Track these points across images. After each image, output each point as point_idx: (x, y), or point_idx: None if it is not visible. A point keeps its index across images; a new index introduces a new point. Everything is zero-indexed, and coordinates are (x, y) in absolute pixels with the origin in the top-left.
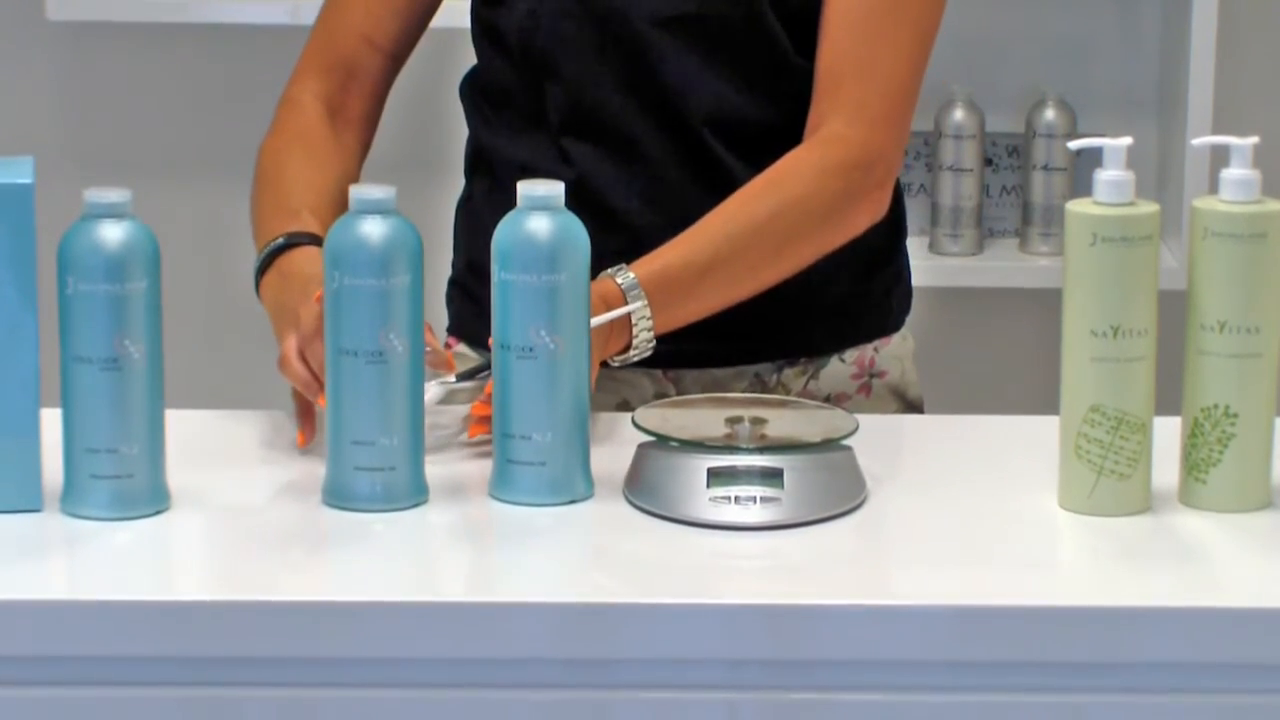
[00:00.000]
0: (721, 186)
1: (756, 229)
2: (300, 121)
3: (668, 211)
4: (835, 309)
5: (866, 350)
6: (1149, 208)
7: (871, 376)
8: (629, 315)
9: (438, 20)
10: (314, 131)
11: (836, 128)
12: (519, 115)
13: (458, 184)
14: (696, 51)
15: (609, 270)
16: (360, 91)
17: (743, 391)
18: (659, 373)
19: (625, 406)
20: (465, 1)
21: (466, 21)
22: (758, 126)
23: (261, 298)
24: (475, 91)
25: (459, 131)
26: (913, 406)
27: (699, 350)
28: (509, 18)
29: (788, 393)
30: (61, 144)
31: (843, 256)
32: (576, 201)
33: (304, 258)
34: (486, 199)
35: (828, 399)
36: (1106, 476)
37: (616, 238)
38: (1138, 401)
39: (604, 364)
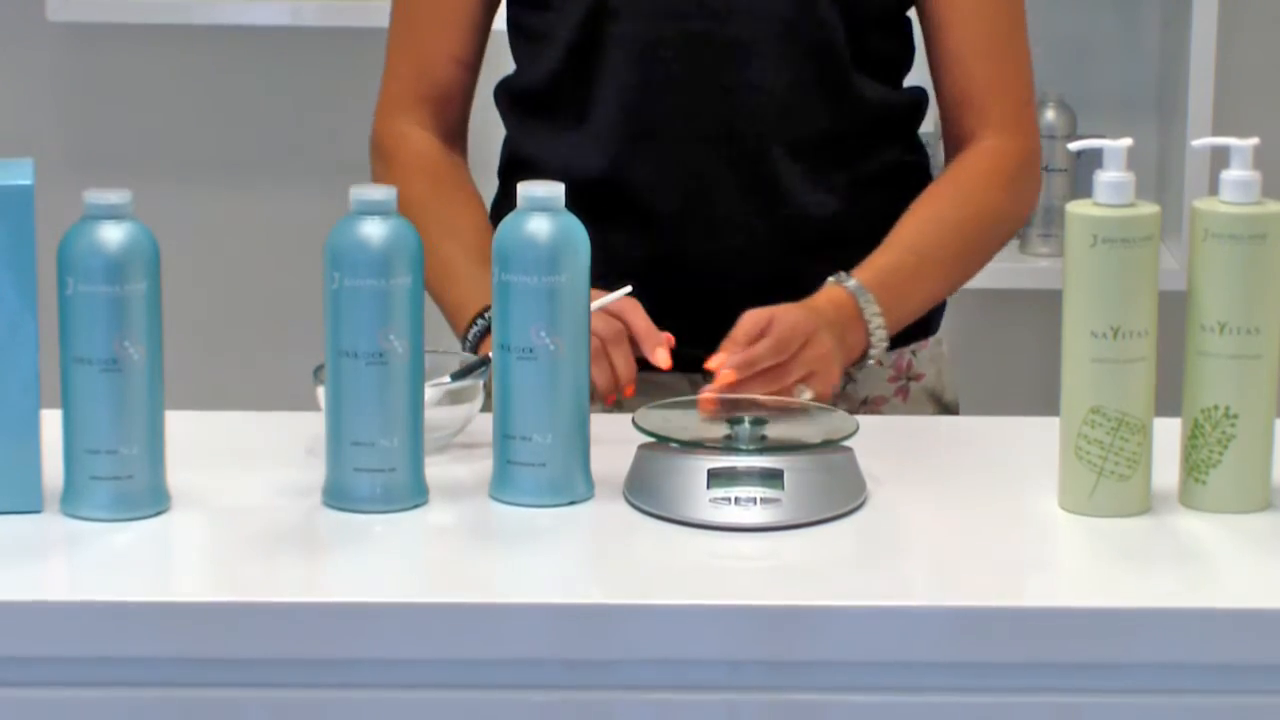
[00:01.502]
0: (768, 189)
1: (951, 233)
2: (431, 158)
3: (710, 214)
4: None
5: (904, 353)
6: (1149, 209)
7: (908, 379)
8: (864, 322)
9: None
10: (449, 168)
11: (995, 142)
12: (560, 118)
13: (488, 184)
14: (756, 52)
15: (831, 278)
16: (459, 113)
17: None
18: (699, 376)
19: None
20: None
21: (501, 24)
22: (813, 131)
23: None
24: (513, 96)
25: (490, 133)
26: (948, 410)
27: None
28: (558, 20)
29: None
30: (61, 145)
31: None
32: (617, 204)
33: None
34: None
35: (864, 402)
36: (1106, 477)
37: (655, 241)
38: (1138, 402)
39: (641, 368)
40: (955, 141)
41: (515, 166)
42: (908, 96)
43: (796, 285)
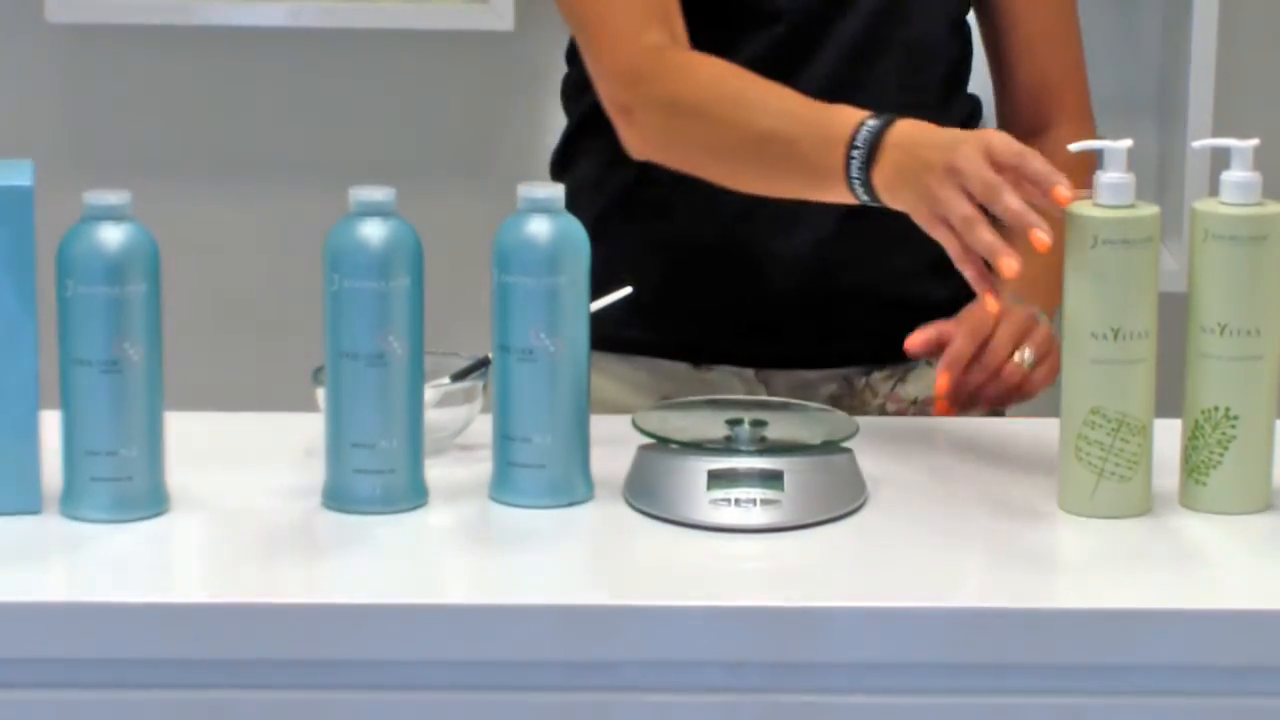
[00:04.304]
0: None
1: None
2: (704, 56)
3: (778, 206)
4: (928, 314)
5: None
6: (1149, 210)
7: None
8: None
9: (490, 24)
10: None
11: (1072, 130)
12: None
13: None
14: (837, 45)
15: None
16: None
17: (830, 394)
18: (750, 373)
19: None
20: (509, 5)
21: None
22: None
23: (879, 181)
24: (577, 92)
25: (547, 124)
26: (996, 412)
27: (791, 353)
28: None
29: (874, 395)
30: (61, 146)
31: (936, 261)
32: (688, 192)
33: (915, 130)
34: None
35: (914, 403)
36: (1107, 479)
37: (723, 231)
38: (1138, 404)
39: (694, 364)
40: (1026, 129)
41: (567, 159)
42: (970, 101)
43: (860, 283)
